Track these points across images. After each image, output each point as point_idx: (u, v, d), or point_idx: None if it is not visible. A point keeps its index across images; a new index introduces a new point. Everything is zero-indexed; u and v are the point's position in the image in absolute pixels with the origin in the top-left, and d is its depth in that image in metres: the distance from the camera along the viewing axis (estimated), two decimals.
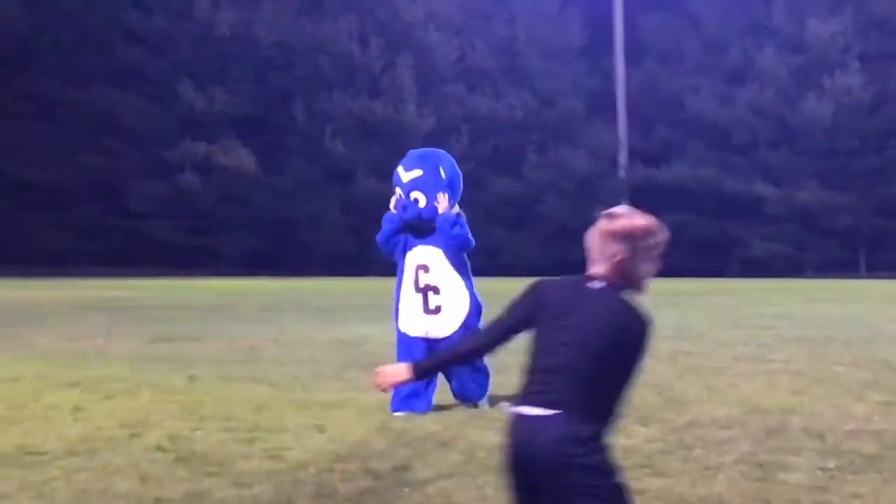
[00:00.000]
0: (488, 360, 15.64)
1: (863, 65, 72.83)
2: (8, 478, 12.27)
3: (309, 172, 73.93)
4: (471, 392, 15.55)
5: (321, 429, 15.12)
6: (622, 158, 74.38)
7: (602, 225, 6.20)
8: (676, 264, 66.15)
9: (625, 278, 6.27)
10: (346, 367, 22.04)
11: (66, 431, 15.17)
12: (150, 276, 63.69)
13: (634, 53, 75.86)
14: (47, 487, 11.94)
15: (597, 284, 6.23)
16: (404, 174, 15.41)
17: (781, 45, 73.98)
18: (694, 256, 69.19)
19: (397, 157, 56.58)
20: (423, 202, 15.18)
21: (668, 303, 39.17)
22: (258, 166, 74.39)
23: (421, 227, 15.22)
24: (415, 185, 15.22)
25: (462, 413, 16.61)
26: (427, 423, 15.64)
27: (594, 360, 6.08)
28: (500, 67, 76.38)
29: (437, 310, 15.06)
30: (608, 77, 75.86)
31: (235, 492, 11.71)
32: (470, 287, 15.43)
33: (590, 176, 74.49)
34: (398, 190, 15.42)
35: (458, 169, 16.17)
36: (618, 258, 6.14)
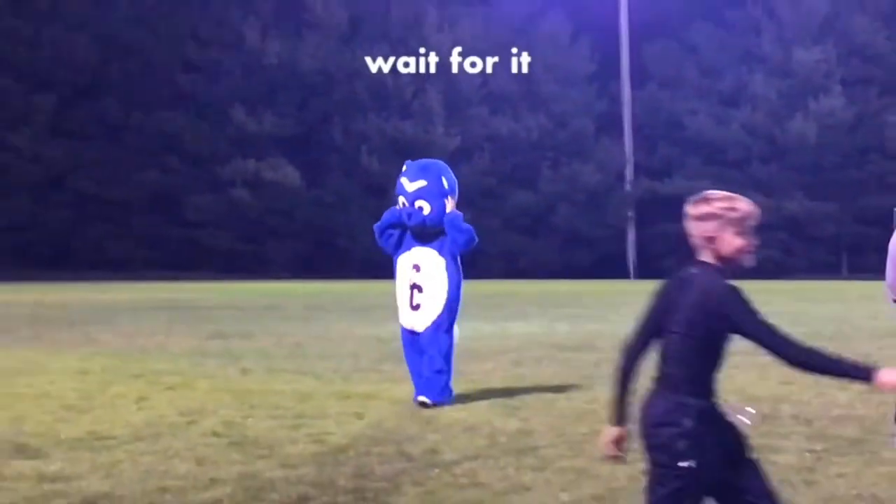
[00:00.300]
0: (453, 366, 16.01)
1: (844, 89, 72.69)
2: (80, 460, 12.31)
3: (347, 187, 73.91)
4: (432, 393, 15.56)
5: (360, 416, 15.21)
6: (628, 173, 74.23)
7: (688, 210, 6.20)
8: (679, 267, 65.93)
9: (720, 258, 6.28)
10: (382, 361, 22.06)
11: (132, 419, 15.23)
12: (204, 280, 63.60)
13: (639, 79, 75.70)
14: (115, 469, 11.96)
15: (694, 269, 6.26)
16: (409, 185, 15.41)
17: (771, 71, 73.85)
18: (667, 255, 69.15)
19: None
20: (427, 210, 15.19)
21: None
22: (302, 181, 74.32)
23: (424, 232, 15.25)
24: (419, 194, 15.22)
25: (485, 402, 16.64)
26: (453, 412, 15.69)
27: (693, 340, 6.12)
28: (518, 92, 76.27)
29: (418, 307, 15.28)
30: (615, 100, 75.76)
31: (282, 473, 11.73)
32: (453, 290, 15.41)
33: (599, 189, 74.39)
34: (401, 199, 15.43)
35: (453, 175, 15.93)
36: (706, 236, 6.14)
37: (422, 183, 15.31)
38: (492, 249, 72.32)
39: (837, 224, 70.78)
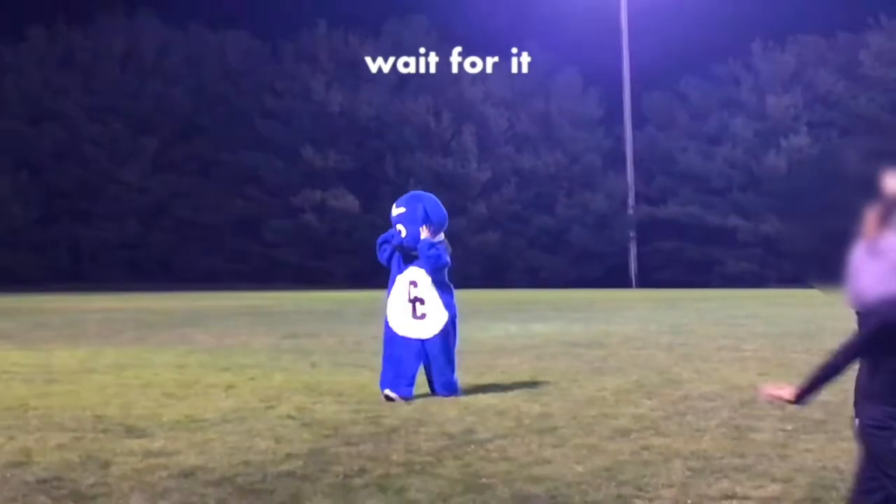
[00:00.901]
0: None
1: (809, 130, 72.38)
2: (178, 438, 12.35)
3: None
4: (445, 389, 15.61)
5: (408, 402, 15.19)
6: (630, 200, 73.93)
7: None
8: (675, 279, 66.16)
9: None
10: None
11: (220, 404, 15.28)
12: (279, 290, 63.76)
13: (638, 122, 75.61)
14: (206, 446, 11.99)
15: None
16: (394, 210, 15.70)
17: (748, 115, 73.62)
18: (685, 273, 69.04)
19: (463, 200, 56.91)
20: (404, 233, 15.38)
21: (667, 307, 39.01)
22: (360, 208, 74.35)
23: (406, 253, 15.43)
24: (399, 219, 15.48)
25: (513, 390, 16.66)
26: (486, 398, 15.73)
27: None
28: (539, 133, 76.15)
29: (423, 316, 15.22)
30: (619, 139, 75.66)
31: (345, 449, 11.78)
32: (448, 301, 15.44)
33: (606, 213, 74.26)
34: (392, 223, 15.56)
35: (442, 207, 15.95)
36: None
37: (401, 210, 15.55)
38: (518, 264, 72.37)
39: (802, 241, 70.39)
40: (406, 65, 76.48)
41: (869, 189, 14.54)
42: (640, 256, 73.05)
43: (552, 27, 75.76)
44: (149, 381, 18.33)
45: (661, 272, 70.76)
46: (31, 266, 70.36)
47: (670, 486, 10.14)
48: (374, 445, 12.22)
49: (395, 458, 11.50)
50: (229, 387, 17.21)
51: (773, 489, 9.97)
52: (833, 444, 12.05)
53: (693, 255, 72.17)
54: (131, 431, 13.24)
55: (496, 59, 76.38)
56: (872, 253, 13.09)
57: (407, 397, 15.11)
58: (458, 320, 15.70)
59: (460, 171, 74.50)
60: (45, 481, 10.54)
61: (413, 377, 15.40)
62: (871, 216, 13.31)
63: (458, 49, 76.91)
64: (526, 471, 10.81)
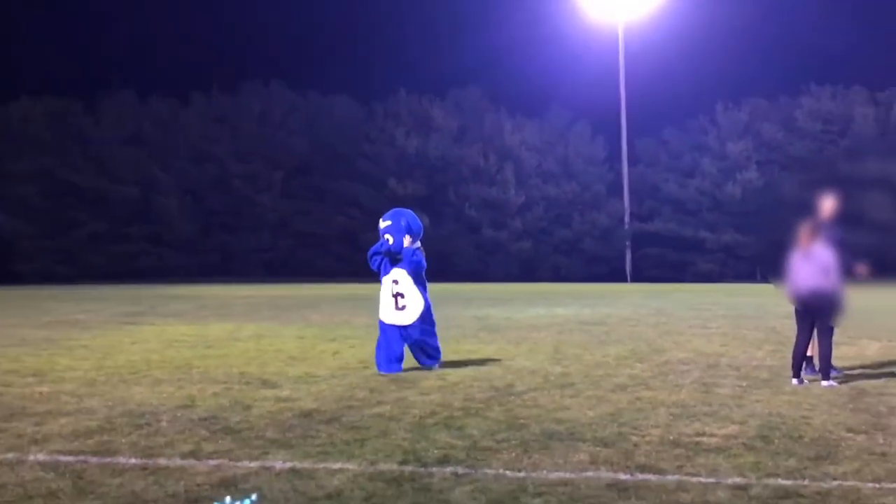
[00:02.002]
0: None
1: (758, 167, 71.87)
2: (299, 389, 12.45)
3: (456, 227, 73.73)
4: (424, 360, 15.00)
5: (465, 364, 15.21)
6: (626, 218, 73.58)
7: None
8: (660, 275, 66.14)
9: None
10: (478, 332, 22.11)
11: (329, 364, 15.34)
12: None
13: (633, 160, 75.31)
14: (320, 395, 12.04)
15: None
16: (381, 224, 15.29)
17: (713, 156, 73.26)
18: (668, 271, 68.74)
19: (504, 218, 56.08)
20: (391, 241, 14.97)
21: (653, 297, 38.87)
22: (429, 224, 74.25)
23: (393, 257, 14.99)
24: (386, 230, 15.10)
25: (541, 355, 16.67)
26: (522, 361, 15.79)
27: None
28: (560, 169, 75.92)
29: (403, 308, 14.77)
30: (618, 173, 75.29)
31: (420, 398, 11.85)
32: (424, 294, 14.99)
33: (608, 228, 73.94)
34: (380, 233, 15.24)
35: (419, 220, 15.68)
36: None
37: (388, 223, 15.18)
38: (545, 265, 72.08)
39: (754, 248, 70.13)
40: (463, 119, 76.81)
41: (802, 210, 14.46)
42: (633, 259, 72.73)
43: (570, 91, 75.70)
44: (279, 347, 18.42)
45: (649, 271, 70.41)
46: (195, 265, 70.77)
47: (657, 426, 10.14)
48: (441, 395, 12.26)
49: (456, 404, 11.54)
50: (335, 352, 17.27)
51: (733, 429, 9.95)
52: (776, 396, 12.03)
53: (672, 259, 71.85)
54: (266, 383, 13.36)
55: (529, 116, 76.87)
56: (805, 258, 13.14)
57: (397, 372, 14.48)
58: (432, 307, 15.19)
59: (502, 197, 74.39)
60: (204, 419, 10.65)
61: (400, 356, 14.87)
62: (804, 230, 13.32)
63: (501, 108, 77.33)
64: (552, 414, 10.82)
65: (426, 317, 14.93)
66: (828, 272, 12.85)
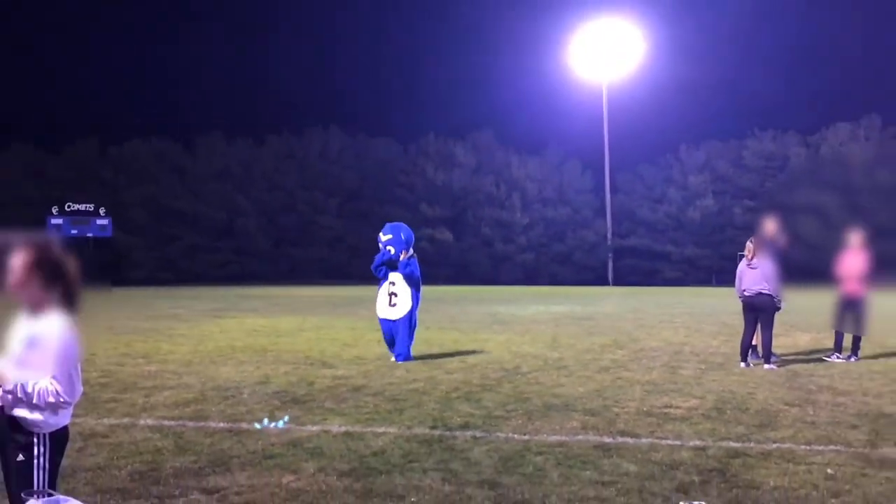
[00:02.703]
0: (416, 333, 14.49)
1: (713, 195, 71.55)
2: (351, 369, 12.46)
3: (473, 242, 73.65)
4: (400, 357, 13.96)
5: (481, 351, 15.19)
6: (609, 236, 73.29)
7: None
8: (635, 281, 65.98)
9: None
10: (492, 325, 22.02)
11: (374, 350, 15.37)
12: None
13: (614, 190, 74.93)
14: (368, 374, 12.07)
15: None
16: (382, 237, 14.50)
17: (677, 186, 72.87)
18: (642, 277, 68.45)
19: (512, 235, 55.27)
20: (393, 251, 14.30)
21: (630, 297, 38.75)
22: (453, 239, 74.18)
23: (393, 264, 14.33)
24: (389, 242, 14.37)
25: (541, 343, 16.62)
26: (526, 347, 15.74)
27: None
28: (556, 196, 75.68)
29: (395, 305, 14.15)
30: (603, 200, 74.89)
31: (446, 376, 11.87)
32: (415, 297, 14.27)
33: (595, 243, 73.55)
34: (381, 244, 14.49)
35: (411, 231, 14.84)
36: None
37: (389, 236, 14.43)
38: (545, 272, 71.82)
39: (710, 260, 69.63)
40: (479, 157, 76.76)
41: (748, 230, 14.43)
42: (614, 268, 72.32)
43: (564, 134, 76.09)
44: (334, 336, 18.41)
45: (626, 277, 70.00)
46: (268, 271, 70.74)
47: (633, 400, 10.13)
48: (462, 374, 12.29)
49: (474, 381, 11.56)
50: (379, 340, 17.25)
51: (693, 402, 9.94)
52: (728, 376, 12.01)
53: (645, 267, 71.47)
54: (325, 364, 13.35)
55: (531, 154, 76.78)
56: (751, 267, 13.17)
57: (409, 359, 13.83)
58: (417, 310, 14.39)
59: (510, 218, 74.28)
60: (276, 392, 10.68)
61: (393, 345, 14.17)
62: (750, 245, 13.33)
63: (509, 148, 77.29)
64: (550, 390, 10.83)
65: (411, 318, 14.18)
66: (769, 279, 13.00)
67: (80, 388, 4.10)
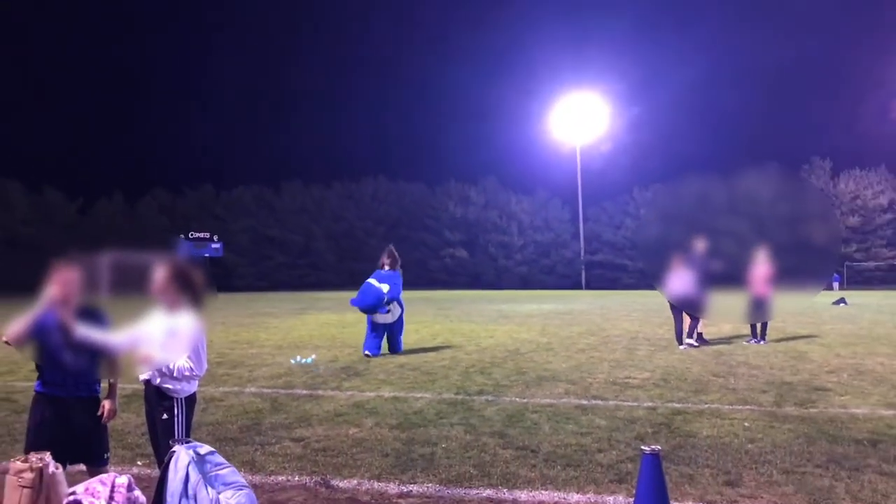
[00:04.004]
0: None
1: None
2: (458, 350, 12.27)
3: (483, 258, 73.35)
4: (396, 350, 12.57)
5: (491, 337, 15.07)
6: (582, 252, 72.79)
7: None
8: (602, 286, 65.56)
9: None
10: (497, 318, 21.84)
11: (413, 337, 15.16)
12: (436, 290, 63.91)
13: (585, 219, 74.28)
14: (408, 354, 11.97)
15: None
16: (384, 288, 12.35)
17: (632, 217, 72.04)
18: (607, 283, 67.82)
19: (511, 254, 53.13)
20: (387, 290, 12.25)
21: (599, 298, 38.40)
22: (468, 256, 73.68)
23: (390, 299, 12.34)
24: (389, 294, 12.27)
25: (535, 332, 16.48)
26: (524, 335, 15.54)
27: None
28: (543, 224, 75.17)
29: (388, 311, 12.23)
30: (577, 227, 74.24)
31: (465, 356, 11.73)
32: (401, 307, 12.56)
33: (571, 258, 72.98)
34: (376, 286, 12.37)
35: (399, 280, 12.63)
36: None
37: (387, 286, 12.17)
38: (535, 279, 71.27)
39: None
40: (487, 196, 76.53)
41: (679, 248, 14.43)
42: (586, 277, 71.80)
43: (549, 179, 75.78)
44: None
45: (596, 283, 69.44)
46: (335, 280, 70.54)
47: (602, 373, 10.08)
48: (477, 355, 12.25)
49: (486, 360, 11.52)
50: (416, 331, 17.10)
51: (646, 375, 9.88)
52: (671, 355, 11.90)
53: (609, 276, 70.56)
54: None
55: (524, 194, 76.54)
56: (676, 275, 13.10)
57: (375, 354, 11.99)
58: (404, 315, 12.80)
59: (510, 241, 73.90)
60: (343, 368, 10.65)
61: (381, 344, 12.31)
62: (676, 258, 13.30)
63: (509, 189, 77.06)
64: (541, 367, 10.78)
65: (400, 319, 12.61)
66: (688, 284, 13.05)
67: (205, 365, 4.16)
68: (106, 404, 4.19)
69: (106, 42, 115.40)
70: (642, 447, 3.57)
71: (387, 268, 12.67)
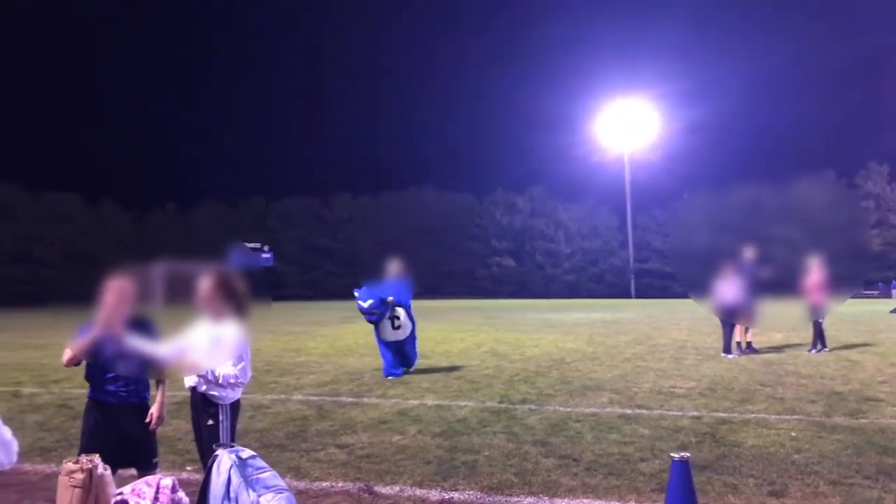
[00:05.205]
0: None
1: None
2: (441, 358, 12.33)
3: (531, 267, 73.03)
4: (408, 366, 11.40)
5: (536, 346, 14.99)
6: (631, 260, 72.07)
7: None
8: (651, 294, 64.77)
9: None
10: (543, 327, 21.74)
11: (458, 345, 15.18)
12: (483, 298, 63.69)
13: (634, 227, 73.52)
14: (453, 362, 11.93)
15: None
16: (389, 298, 11.44)
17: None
18: (656, 291, 66.84)
19: (559, 262, 52.94)
20: (391, 300, 11.31)
21: (648, 307, 37.85)
22: (514, 264, 73.43)
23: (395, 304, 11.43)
24: (395, 302, 11.38)
25: (580, 341, 16.34)
26: (569, 344, 15.48)
27: None
28: (591, 232, 74.69)
29: (399, 327, 11.21)
30: (626, 235, 73.48)
31: (511, 365, 11.70)
32: (411, 316, 11.52)
33: (621, 266, 72.36)
34: (376, 300, 11.38)
35: (407, 287, 11.64)
36: None
37: (391, 297, 11.19)
38: (583, 288, 70.72)
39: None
40: (533, 204, 76.16)
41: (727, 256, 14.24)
42: (636, 285, 70.96)
43: (596, 187, 75.06)
44: (429, 336, 18.23)
45: (645, 292, 68.53)
46: None
47: (647, 382, 10.00)
48: (522, 364, 12.23)
49: (531, 368, 11.51)
50: (462, 339, 17.18)
51: (692, 384, 9.76)
52: (718, 364, 11.74)
53: (658, 284, 69.39)
54: (422, 356, 13.06)
55: (572, 202, 76.08)
56: (724, 284, 12.95)
57: (399, 375, 10.96)
58: (416, 329, 11.68)
59: (557, 249, 73.62)
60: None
61: (399, 362, 11.19)
62: (725, 267, 13.14)
63: (556, 197, 76.66)
64: (586, 375, 10.73)
65: (415, 335, 11.67)
66: (736, 294, 12.93)
67: (250, 373, 4.28)
68: (154, 411, 4.34)
69: (161, 55, 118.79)
70: (671, 454, 3.57)
71: (392, 276, 11.56)
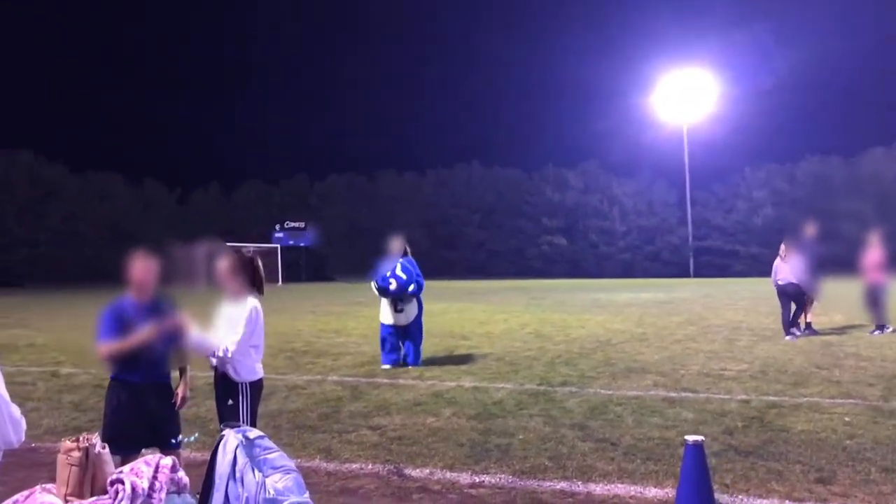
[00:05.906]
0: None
1: (772, 206, 68.32)
2: (481, 340, 12.39)
3: (583, 245, 72.80)
4: (414, 360, 10.34)
5: (582, 327, 14.95)
6: (690, 237, 71.00)
7: None
8: (710, 273, 63.85)
9: None
10: (591, 307, 21.63)
11: (501, 326, 15.21)
12: (533, 279, 63.65)
13: (693, 203, 72.28)
14: (493, 344, 12.00)
15: None
16: (402, 275, 10.50)
17: (743, 200, 69.47)
18: (715, 270, 65.73)
19: (614, 240, 52.60)
20: (405, 277, 10.46)
21: (705, 286, 37.31)
22: (567, 243, 73.03)
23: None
24: (408, 280, 10.44)
25: (630, 321, 16.25)
26: (616, 325, 15.38)
27: None
28: (647, 209, 73.75)
29: (402, 311, 10.38)
30: (685, 211, 72.14)
31: (553, 346, 11.68)
32: (420, 304, 10.76)
33: (678, 245, 71.35)
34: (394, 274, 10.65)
35: (415, 268, 10.84)
36: None
37: (405, 275, 10.25)
38: (639, 267, 69.95)
39: (770, 256, 66.25)
40: (586, 180, 75.39)
41: (786, 233, 13.93)
42: (694, 265, 69.99)
43: (653, 160, 73.83)
44: (472, 317, 18.33)
45: (704, 271, 67.58)
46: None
47: (696, 364, 9.91)
48: (565, 345, 12.22)
49: (574, 350, 11.50)
50: (505, 319, 17.20)
51: (744, 366, 9.64)
52: (774, 346, 11.57)
53: (718, 263, 68.25)
54: (463, 337, 13.31)
55: (628, 176, 75.15)
56: (784, 262, 12.76)
57: (395, 360, 10.27)
58: (423, 315, 10.88)
59: (612, 227, 72.90)
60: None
61: (399, 349, 10.39)
62: (783, 246, 12.91)
63: (610, 172, 75.77)
64: (632, 357, 10.69)
65: (420, 322, 10.80)
66: (797, 272, 12.81)
67: (262, 351, 4.43)
68: (179, 391, 4.46)
69: (204, 41, 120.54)
70: (686, 437, 3.54)
71: (394, 254, 10.98)
